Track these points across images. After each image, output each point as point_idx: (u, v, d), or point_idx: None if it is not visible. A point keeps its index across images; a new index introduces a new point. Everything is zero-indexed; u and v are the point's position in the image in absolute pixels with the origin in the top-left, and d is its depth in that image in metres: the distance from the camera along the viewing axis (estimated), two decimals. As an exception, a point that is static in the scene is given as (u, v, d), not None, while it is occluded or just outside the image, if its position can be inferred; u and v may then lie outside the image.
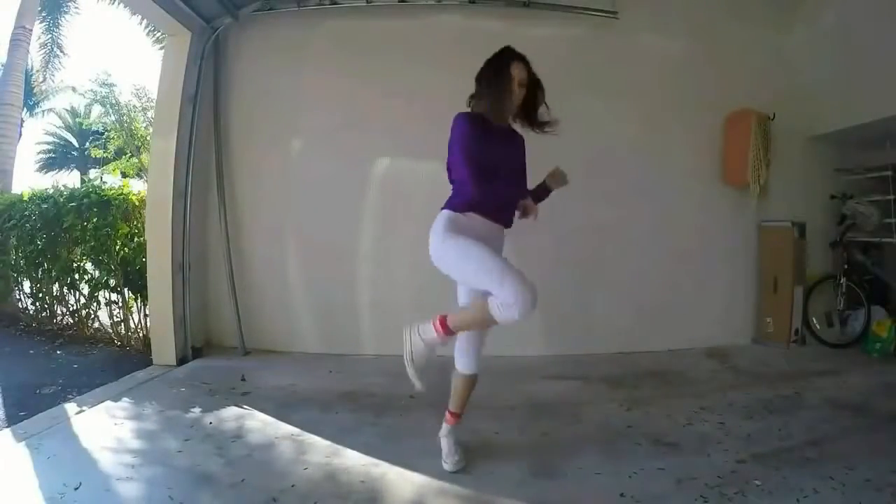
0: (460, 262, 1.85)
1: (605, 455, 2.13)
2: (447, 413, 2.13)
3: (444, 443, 2.09)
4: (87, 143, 16.23)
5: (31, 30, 9.76)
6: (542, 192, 2.24)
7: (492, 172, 1.89)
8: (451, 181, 2.05)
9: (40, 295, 4.59)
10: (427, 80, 3.56)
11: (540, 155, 3.86)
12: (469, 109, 2.03)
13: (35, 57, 11.42)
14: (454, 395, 2.12)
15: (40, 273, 4.47)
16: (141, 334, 3.95)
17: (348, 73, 3.68)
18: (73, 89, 14.25)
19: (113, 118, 9.23)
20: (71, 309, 4.41)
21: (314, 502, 1.78)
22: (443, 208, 1.97)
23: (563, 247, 3.71)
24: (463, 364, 2.09)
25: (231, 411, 2.60)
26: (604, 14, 3.65)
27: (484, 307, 1.78)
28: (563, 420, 2.52)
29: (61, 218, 4.09)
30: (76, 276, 4.23)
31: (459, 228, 1.89)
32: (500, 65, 1.99)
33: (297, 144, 3.78)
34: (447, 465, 2.01)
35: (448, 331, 1.87)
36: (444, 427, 2.12)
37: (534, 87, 2.08)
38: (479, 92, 2.03)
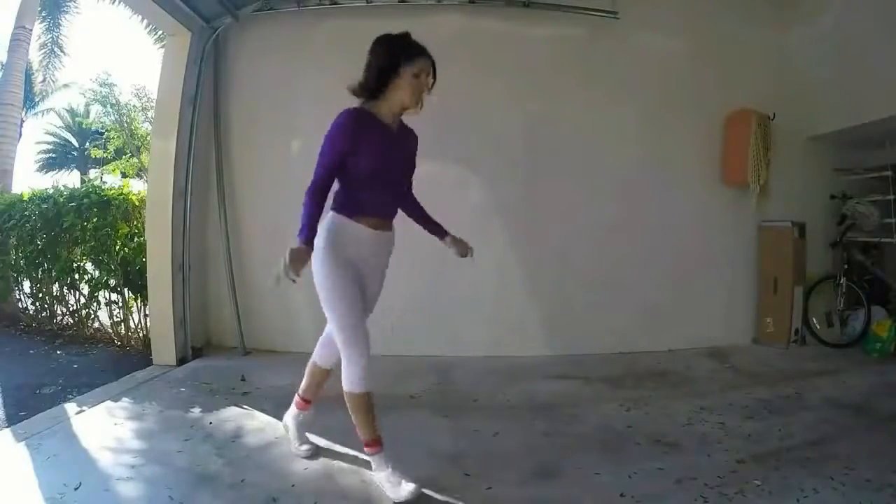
0: (324, 294, 1.83)
1: (605, 455, 2.13)
2: (299, 398, 2.18)
3: (294, 427, 2.16)
4: (87, 143, 16.22)
5: (31, 30, 9.75)
6: (436, 232, 2.16)
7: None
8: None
9: (40, 295, 4.59)
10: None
11: (540, 154, 3.88)
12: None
13: (35, 57, 11.42)
14: (309, 383, 2.16)
15: (40, 273, 4.47)
16: (141, 334, 3.95)
17: (348, 73, 3.66)
18: (67, 85, 14.25)
19: (113, 118, 9.22)
20: (71, 309, 4.41)
21: (314, 502, 1.78)
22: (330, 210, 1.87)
23: (562, 247, 3.71)
24: (322, 358, 2.12)
25: (231, 411, 2.60)
26: (604, 14, 3.64)
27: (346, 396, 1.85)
28: (563, 420, 2.51)
29: (61, 218, 4.09)
30: (76, 276, 4.23)
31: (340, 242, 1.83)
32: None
33: (297, 144, 3.78)
34: (300, 452, 2.10)
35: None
36: (295, 411, 2.18)
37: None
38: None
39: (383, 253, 1.97)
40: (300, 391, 2.19)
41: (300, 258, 1.64)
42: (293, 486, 1.88)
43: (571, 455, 2.13)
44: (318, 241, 1.78)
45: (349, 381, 1.83)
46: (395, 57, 1.79)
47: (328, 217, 1.86)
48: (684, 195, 3.83)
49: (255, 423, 2.47)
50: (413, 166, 2.01)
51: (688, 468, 1.99)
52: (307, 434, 2.20)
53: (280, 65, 3.75)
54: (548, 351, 3.66)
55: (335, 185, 1.84)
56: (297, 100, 3.74)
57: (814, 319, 3.86)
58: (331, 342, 2.01)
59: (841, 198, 3.93)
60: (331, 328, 1.92)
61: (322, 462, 2.07)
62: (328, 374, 2.13)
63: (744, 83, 3.85)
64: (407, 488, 1.77)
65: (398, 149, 1.90)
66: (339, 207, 1.86)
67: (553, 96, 3.72)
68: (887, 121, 3.28)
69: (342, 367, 1.85)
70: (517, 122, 3.70)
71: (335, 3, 3.64)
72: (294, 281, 1.61)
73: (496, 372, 3.29)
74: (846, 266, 3.84)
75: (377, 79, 1.81)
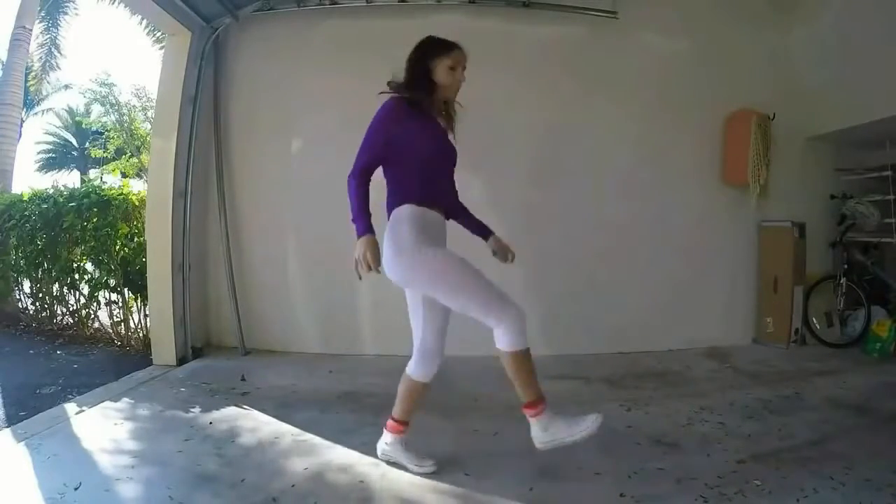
0: (444, 278, 1.75)
1: (605, 455, 2.13)
2: (393, 423, 2.01)
3: (403, 453, 2.00)
4: (87, 143, 16.22)
5: (31, 30, 9.77)
6: (481, 231, 2.14)
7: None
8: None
9: (40, 295, 4.59)
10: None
11: (540, 154, 3.88)
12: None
13: (34, 57, 11.41)
14: (407, 405, 2.01)
15: (40, 273, 4.47)
16: (141, 334, 3.95)
17: (348, 73, 3.67)
18: (69, 86, 14.28)
19: (113, 118, 9.23)
20: (71, 309, 4.41)
21: (314, 502, 1.78)
22: (395, 205, 1.82)
23: (562, 247, 3.71)
24: (420, 373, 1.97)
25: (231, 411, 2.60)
26: (603, 14, 3.64)
27: (509, 356, 1.76)
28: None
29: (61, 218, 4.09)
30: (76, 276, 4.23)
31: (427, 231, 1.79)
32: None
33: (298, 144, 3.78)
34: (426, 469, 1.96)
35: (535, 404, 1.81)
36: (391, 437, 2.01)
37: None
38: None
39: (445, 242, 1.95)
40: (395, 415, 2.00)
41: (370, 249, 1.66)
42: (293, 486, 1.88)
43: (571, 455, 2.12)
44: (403, 238, 1.75)
45: (512, 340, 1.73)
46: (432, 50, 1.88)
47: (401, 211, 1.80)
48: (684, 195, 3.83)
49: (254, 423, 2.47)
50: (456, 160, 2.01)
51: (688, 468, 1.99)
52: (418, 453, 2.01)
53: (280, 65, 3.75)
54: (548, 351, 3.64)
55: (393, 180, 1.85)
56: (297, 100, 3.74)
57: (814, 319, 3.85)
58: (429, 351, 1.93)
59: (841, 198, 3.93)
60: (459, 309, 1.81)
61: (322, 462, 2.07)
62: (427, 389, 1.99)
63: (744, 83, 3.85)
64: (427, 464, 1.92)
65: (444, 140, 1.94)
66: (408, 198, 1.81)
67: (553, 96, 3.72)
68: (887, 121, 3.28)
69: (501, 332, 1.73)
70: (517, 122, 3.69)
71: (335, 3, 3.64)
72: (378, 272, 1.64)
73: (496, 372, 3.26)
74: (846, 266, 3.83)
75: (417, 72, 1.87)
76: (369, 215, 1.73)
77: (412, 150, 1.80)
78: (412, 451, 2.00)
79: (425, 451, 2.10)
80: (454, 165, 2.00)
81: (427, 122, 1.86)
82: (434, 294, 1.82)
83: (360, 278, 1.71)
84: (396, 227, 1.79)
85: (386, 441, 2.02)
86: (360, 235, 1.70)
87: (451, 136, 2.00)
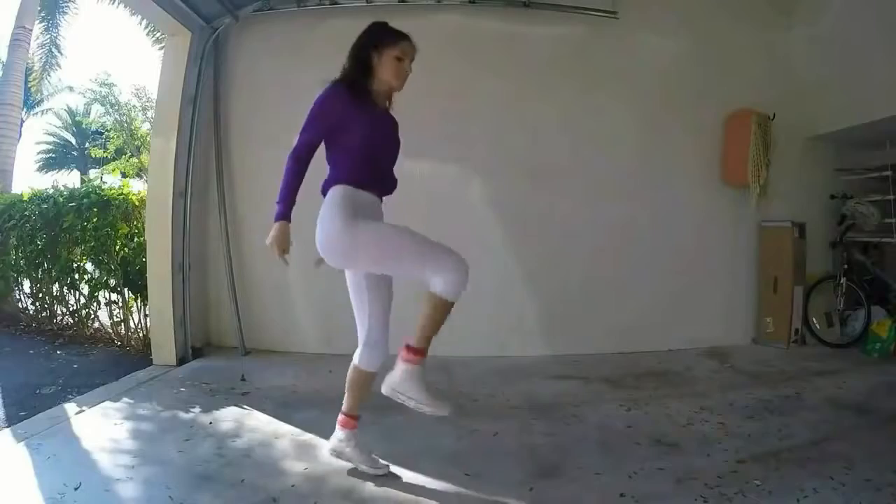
0: (382, 247, 1.75)
1: (605, 455, 2.13)
2: (344, 417, 1.98)
3: (356, 452, 1.95)
4: (87, 143, 16.22)
5: (31, 30, 9.77)
6: None
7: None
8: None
9: (40, 295, 4.59)
10: (426, 79, 3.55)
11: (540, 154, 3.88)
12: None
13: (34, 57, 11.42)
14: (355, 396, 1.99)
15: (40, 273, 4.47)
16: (141, 334, 3.94)
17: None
18: (70, 88, 14.29)
19: (113, 118, 9.23)
20: (71, 309, 4.40)
21: (314, 502, 1.78)
22: (330, 185, 1.81)
23: (562, 247, 3.71)
24: (366, 360, 1.94)
25: (231, 411, 2.60)
26: (603, 14, 3.64)
27: (435, 298, 1.67)
28: (563, 420, 2.52)
29: (61, 218, 4.08)
30: (76, 276, 4.23)
31: (359, 211, 1.77)
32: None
33: (297, 144, 3.78)
34: (379, 470, 1.93)
35: (420, 352, 1.72)
36: (343, 433, 1.97)
37: None
38: None
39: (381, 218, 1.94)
40: (345, 409, 1.98)
41: (282, 235, 1.69)
42: (293, 486, 1.88)
43: (571, 455, 2.13)
44: (335, 216, 1.75)
45: (446, 289, 1.67)
46: (377, 38, 1.87)
47: (334, 192, 1.80)
48: (684, 195, 3.83)
49: (254, 423, 2.47)
50: (398, 149, 1.99)
51: (688, 468, 1.99)
52: (370, 454, 1.98)
53: (280, 65, 3.74)
54: (548, 351, 3.66)
55: (330, 162, 1.85)
56: (297, 100, 3.68)
57: (814, 319, 3.85)
58: (375, 341, 1.90)
59: (841, 198, 3.93)
60: (405, 273, 1.79)
61: (322, 462, 2.06)
62: (374, 378, 1.94)
63: (744, 83, 3.85)
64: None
65: (385, 127, 1.92)
66: (340, 180, 1.80)
67: (553, 96, 3.72)
68: (887, 121, 3.28)
69: (440, 280, 1.67)
70: (517, 122, 3.70)
71: (335, 3, 3.64)
72: (286, 262, 1.63)
73: (496, 372, 3.29)
74: (846, 266, 3.83)
75: (360, 58, 1.86)
76: (293, 203, 1.75)
77: (348, 136, 1.79)
78: (365, 451, 1.97)
79: (425, 451, 2.10)
80: (394, 156, 1.98)
81: (367, 109, 1.83)
82: (380, 266, 1.82)
83: (287, 263, 1.70)
84: (327, 211, 1.78)
85: (339, 437, 1.98)
86: (276, 220, 1.72)
87: (396, 128, 1.98)
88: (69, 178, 18.18)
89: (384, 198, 1.97)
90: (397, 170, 1.99)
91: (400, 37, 1.87)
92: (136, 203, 4.06)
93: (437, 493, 1.84)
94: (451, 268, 1.68)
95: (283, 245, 1.73)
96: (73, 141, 18.70)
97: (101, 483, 1.87)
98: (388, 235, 1.78)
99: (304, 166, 1.78)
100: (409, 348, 1.74)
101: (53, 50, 11.88)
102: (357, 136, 1.80)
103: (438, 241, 1.76)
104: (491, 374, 3.24)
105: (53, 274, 4.33)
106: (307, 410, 2.61)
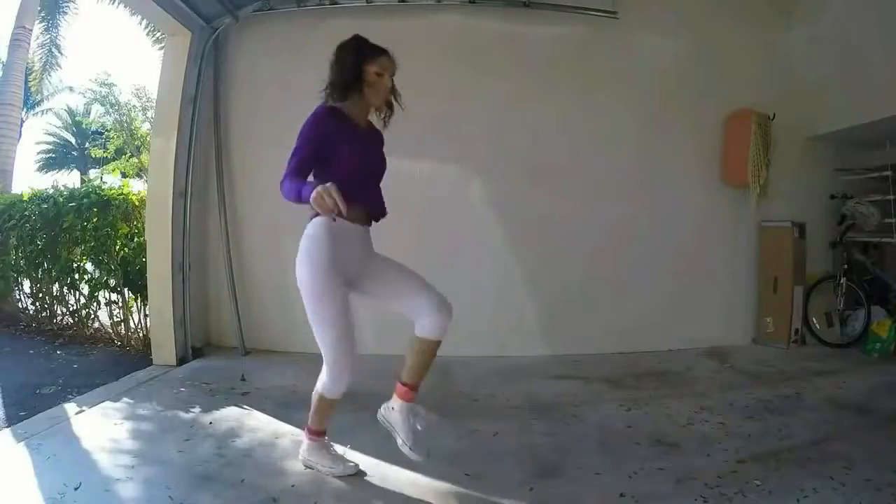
0: (313, 312, 1.82)
1: (605, 455, 2.13)
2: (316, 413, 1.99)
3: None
4: (87, 143, 16.23)
5: (31, 30, 9.77)
6: None
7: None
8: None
9: (40, 295, 4.59)
10: (426, 79, 3.56)
11: (540, 154, 3.88)
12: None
13: (34, 57, 11.42)
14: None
15: (40, 273, 4.47)
16: (141, 334, 3.94)
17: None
18: (71, 88, 14.29)
19: (113, 118, 9.24)
20: (71, 309, 4.40)
21: (314, 502, 1.78)
22: (312, 216, 1.83)
23: (562, 247, 3.71)
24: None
25: (231, 411, 2.60)
26: (603, 14, 3.64)
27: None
28: (563, 420, 2.52)
29: (61, 218, 4.08)
30: (76, 276, 4.23)
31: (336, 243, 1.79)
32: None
33: (297, 144, 3.78)
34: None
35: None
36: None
37: None
38: None
39: (370, 249, 1.97)
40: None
41: (327, 189, 1.52)
42: (293, 486, 1.88)
43: (571, 455, 2.13)
44: (304, 262, 1.83)
45: (326, 387, 1.86)
46: (356, 57, 1.81)
47: (313, 224, 1.82)
48: (684, 195, 3.83)
49: (254, 423, 2.47)
50: (385, 165, 1.99)
51: (688, 468, 1.99)
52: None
53: (280, 65, 3.74)
54: (548, 351, 3.66)
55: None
56: (297, 100, 3.69)
57: (814, 319, 3.85)
58: (339, 373, 1.85)
59: (841, 198, 3.93)
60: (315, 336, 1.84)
61: (322, 462, 2.06)
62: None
63: (744, 83, 3.85)
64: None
65: (367, 149, 1.90)
66: None
67: (553, 96, 3.72)
68: (887, 121, 3.28)
69: (325, 374, 1.85)
70: (517, 122, 3.70)
71: (335, 3, 3.65)
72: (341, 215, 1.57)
73: (496, 372, 3.29)
74: (846, 266, 3.83)
75: (343, 79, 1.82)
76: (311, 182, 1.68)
77: (332, 160, 1.78)
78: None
79: (425, 451, 2.10)
80: (378, 175, 1.96)
81: (349, 130, 1.82)
82: (307, 311, 1.85)
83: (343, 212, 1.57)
84: (306, 241, 1.83)
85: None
86: (311, 193, 1.57)
87: (380, 145, 1.99)
88: (69, 178, 18.19)
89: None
90: (394, 177, 1.99)
91: (379, 52, 1.83)
92: (136, 203, 4.06)
93: (437, 493, 1.85)
94: (334, 377, 1.82)
95: (336, 194, 1.54)
96: (73, 141, 18.70)
97: (101, 483, 1.87)
98: (328, 304, 1.79)
99: (300, 178, 1.75)
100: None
101: (53, 50, 11.88)
102: (338, 161, 1.78)
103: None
104: (491, 374, 3.24)
105: (53, 274, 4.33)
106: (307, 410, 2.59)
